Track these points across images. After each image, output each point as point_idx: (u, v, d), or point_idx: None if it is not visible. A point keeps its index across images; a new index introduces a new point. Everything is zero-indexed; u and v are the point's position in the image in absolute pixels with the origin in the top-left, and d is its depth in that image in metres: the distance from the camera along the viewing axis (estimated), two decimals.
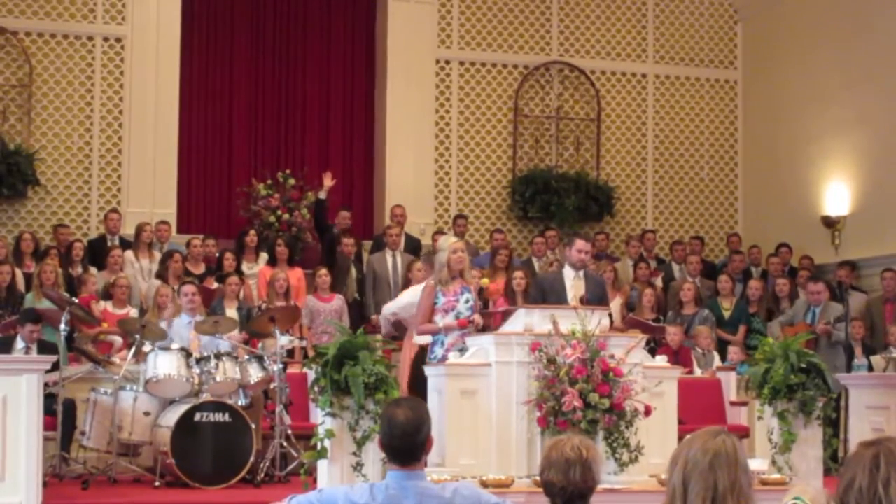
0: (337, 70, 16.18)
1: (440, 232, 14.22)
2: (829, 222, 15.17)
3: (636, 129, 16.76)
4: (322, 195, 14.18)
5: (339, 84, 16.18)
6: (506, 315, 9.45)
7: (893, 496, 3.00)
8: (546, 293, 9.37)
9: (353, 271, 13.66)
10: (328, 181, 14.18)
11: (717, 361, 12.33)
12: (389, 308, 11.25)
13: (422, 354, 9.63)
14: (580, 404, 8.05)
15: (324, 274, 12.74)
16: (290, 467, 10.09)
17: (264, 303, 12.04)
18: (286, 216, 14.65)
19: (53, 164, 14.68)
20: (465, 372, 8.52)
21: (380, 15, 16.15)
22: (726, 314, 13.33)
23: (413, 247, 14.15)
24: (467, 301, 9.26)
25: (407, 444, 4.16)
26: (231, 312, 11.87)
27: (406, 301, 10.83)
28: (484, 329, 9.38)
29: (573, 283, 9.39)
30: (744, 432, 10.98)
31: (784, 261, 14.79)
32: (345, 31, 16.26)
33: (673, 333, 12.06)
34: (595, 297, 9.24)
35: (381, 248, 13.98)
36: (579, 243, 9.59)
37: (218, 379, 10.03)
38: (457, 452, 8.35)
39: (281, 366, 10.29)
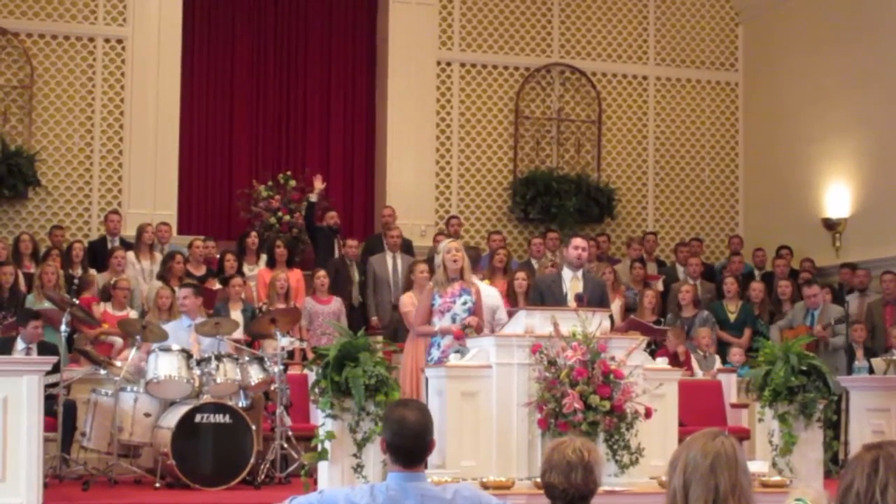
0: (338, 71, 16.18)
1: (442, 234, 14.21)
2: (830, 224, 15.18)
3: (637, 131, 16.76)
4: (313, 198, 14.19)
5: (340, 85, 16.19)
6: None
7: (891, 501, 3.00)
8: (544, 295, 9.36)
9: (356, 274, 13.61)
10: (318, 184, 14.20)
11: (717, 363, 12.33)
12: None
13: None
14: (581, 406, 8.05)
15: (322, 276, 12.74)
16: (290, 469, 10.08)
17: (265, 304, 12.04)
18: (287, 217, 14.65)
19: (54, 165, 14.69)
20: (465, 374, 8.52)
21: (381, 16, 16.15)
22: (732, 316, 13.32)
23: (406, 248, 14.14)
24: (465, 303, 9.22)
25: (417, 446, 4.18)
26: (235, 314, 11.88)
27: None
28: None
29: (571, 284, 9.38)
30: (744, 434, 10.98)
31: (785, 263, 14.79)
32: (346, 33, 16.27)
33: (674, 339, 12.06)
34: (594, 298, 9.22)
35: (378, 250, 13.97)
36: (576, 240, 9.60)
37: (218, 380, 10.03)
38: (458, 454, 8.35)
39: (282, 367, 10.29)
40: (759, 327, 13.27)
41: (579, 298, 9.02)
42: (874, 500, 3.02)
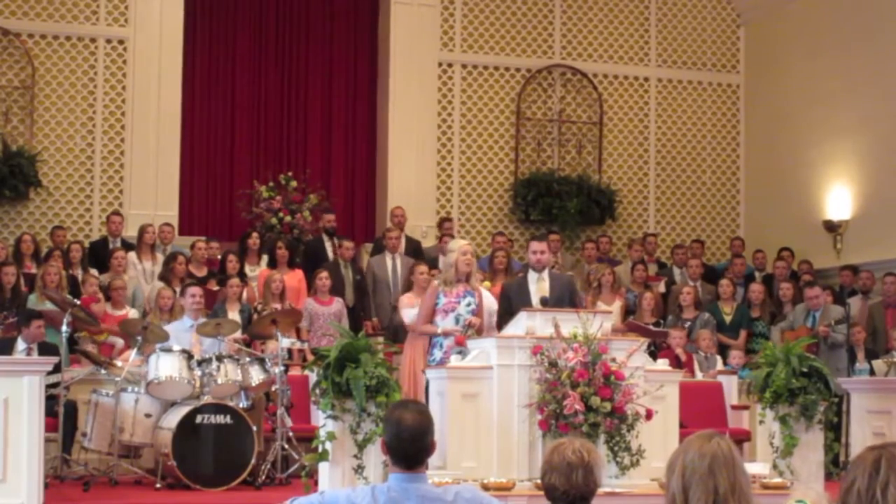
0: (339, 72, 16.19)
1: (447, 236, 14.15)
2: (831, 226, 15.18)
3: (638, 133, 16.76)
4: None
5: (342, 86, 16.19)
6: None
7: (891, 500, 3.01)
8: (512, 300, 9.36)
9: (350, 275, 13.57)
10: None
11: (719, 365, 12.34)
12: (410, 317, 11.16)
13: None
14: (581, 407, 8.05)
15: (324, 276, 12.71)
16: (291, 469, 10.08)
17: (260, 304, 12.03)
18: (288, 218, 14.65)
19: (55, 165, 14.70)
20: (466, 375, 8.52)
21: (382, 17, 16.16)
22: (727, 318, 13.33)
23: (414, 249, 14.13)
24: (469, 304, 9.26)
25: (416, 448, 4.18)
26: (233, 315, 11.88)
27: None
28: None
29: (537, 286, 9.40)
30: (745, 436, 10.98)
31: (786, 265, 14.79)
32: (347, 34, 16.27)
33: (678, 338, 12.07)
34: (560, 298, 9.22)
35: (382, 251, 13.96)
36: (533, 245, 9.63)
37: (219, 381, 10.03)
38: (458, 455, 8.35)
39: (282, 368, 10.29)
40: (756, 328, 13.29)
41: (543, 302, 9.04)
42: (875, 499, 3.03)
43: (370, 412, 7.93)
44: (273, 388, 10.34)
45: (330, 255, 13.91)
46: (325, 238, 14.09)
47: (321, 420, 8.22)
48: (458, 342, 9.07)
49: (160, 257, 13.37)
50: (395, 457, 4.20)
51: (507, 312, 9.14)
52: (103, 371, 10.57)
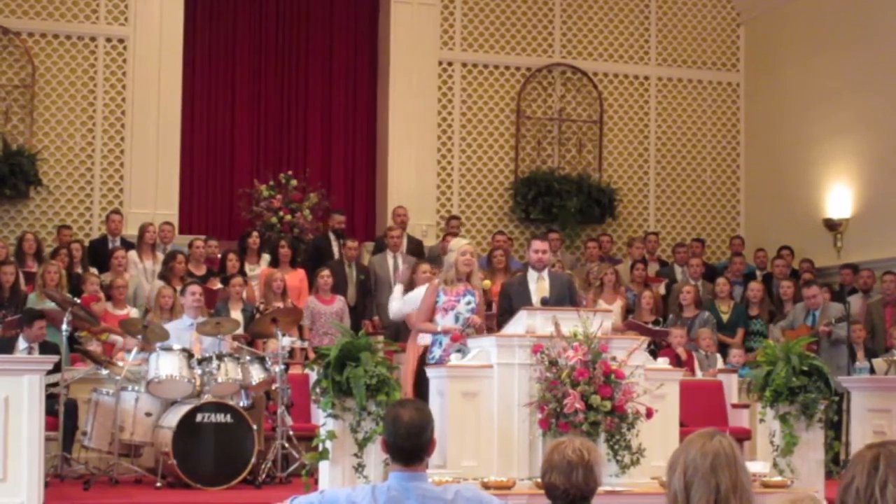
0: (339, 71, 16.19)
1: (451, 234, 14.16)
2: (831, 225, 15.18)
3: (638, 132, 16.76)
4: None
5: (342, 85, 16.19)
6: None
7: (890, 498, 3.01)
8: (512, 298, 9.36)
9: (354, 274, 13.59)
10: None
11: (719, 363, 12.34)
12: (395, 308, 11.23)
13: (426, 355, 9.64)
14: (582, 406, 8.05)
15: (326, 275, 12.72)
16: (291, 468, 10.09)
17: (262, 303, 12.03)
18: (288, 217, 14.65)
19: (56, 164, 14.69)
20: (466, 374, 8.51)
21: (382, 16, 16.15)
22: (724, 317, 13.33)
23: (415, 248, 14.13)
24: (469, 303, 9.26)
25: (412, 445, 4.18)
26: (235, 314, 11.88)
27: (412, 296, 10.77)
28: (487, 330, 9.38)
29: (537, 286, 9.40)
30: (745, 435, 10.98)
31: (786, 263, 14.79)
32: (347, 33, 16.27)
33: (678, 336, 12.07)
34: (559, 297, 9.23)
35: (383, 250, 13.97)
36: (535, 244, 9.63)
37: (220, 380, 10.03)
38: (458, 454, 8.34)
39: (283, 367, 10.29)
40: (753, 327, 13.29)
41: (544, 302, 9.04)
42: (873, 498, 3.03)
43: (370, 411, 7.93)
44: (273, 387, 10.34)
45: (336, 255, 13.92)
46: (333, 238, 14.11)
47: (321, 419, 8.22)
48: (454, 339, 9.07)
49: (161, 256, 13.36)
50: (393, 454, 4.21)
51: (507, 311, 9.14)
52: (104, 370, 10.57)
